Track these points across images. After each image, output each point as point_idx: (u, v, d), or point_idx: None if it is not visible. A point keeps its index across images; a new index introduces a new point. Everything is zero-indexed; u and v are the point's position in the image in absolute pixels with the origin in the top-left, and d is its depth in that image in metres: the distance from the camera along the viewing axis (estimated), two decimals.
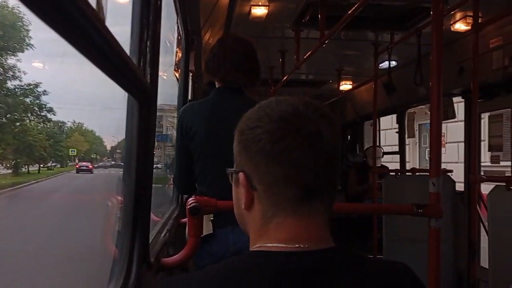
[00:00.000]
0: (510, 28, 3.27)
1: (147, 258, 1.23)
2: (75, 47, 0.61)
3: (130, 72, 0.93)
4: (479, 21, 3.11)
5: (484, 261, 3.24)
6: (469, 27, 3.39)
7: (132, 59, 1.10)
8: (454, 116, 4.35)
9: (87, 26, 0.60)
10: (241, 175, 0.83)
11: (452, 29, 3.58)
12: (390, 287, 0.79)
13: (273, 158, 0.78)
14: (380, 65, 4.50)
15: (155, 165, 1.68)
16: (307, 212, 0.80)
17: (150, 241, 1.52)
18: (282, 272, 0.76)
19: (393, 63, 4.48)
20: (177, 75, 2.85)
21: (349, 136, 7.42)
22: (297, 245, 0.78)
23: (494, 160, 3.73)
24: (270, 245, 0.80)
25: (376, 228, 4.31)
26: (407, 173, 4.83)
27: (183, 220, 2.12)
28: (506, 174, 4.36)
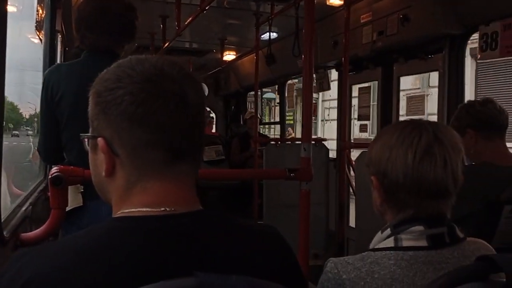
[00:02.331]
0: (379, 4, 3.51)
1: None
2: None
3: None
4: None
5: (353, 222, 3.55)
6: (342, 2, 3.57)
7: None
8: (329, 88, 4.60)
9: None
10: (100, 140, 0.78)
11: (327, 3, 3.74)
12: (257, 249, 0.80)
13: (137, 121, 0.74)
14: (262, 36, 4.57)
15: None
16: (173, 175, 0.78)
17: (6, 215, 1.39)
18: (147, 236, 0.72)
19: (274, 34, 4.58)
20: (41, 36, 2.59)
21: (233, 107, 7.51)
22: (163, 209, 0.76)
23: (362, 129, 4.06)
24: (134, 209, 0.76)
25: (257, 195, 4.46)
26: (287, 142, 5.04)
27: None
28: None
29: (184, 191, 0.79)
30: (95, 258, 0.69)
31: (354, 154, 3.65)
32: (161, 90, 0.75)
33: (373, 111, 4.10)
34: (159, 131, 0.75)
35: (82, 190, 1.84)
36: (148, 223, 0.74)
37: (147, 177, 0.77)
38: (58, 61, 2.88)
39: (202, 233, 0.76)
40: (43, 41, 2.55)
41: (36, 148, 2.02)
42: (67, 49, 3.20)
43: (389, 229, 1.03)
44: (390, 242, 1.01)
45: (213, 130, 7.03)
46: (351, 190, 3.73)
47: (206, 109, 0.86)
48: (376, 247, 1.03)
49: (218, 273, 0.66)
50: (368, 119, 4.12)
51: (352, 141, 4.06)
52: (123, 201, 0.78)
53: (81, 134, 0.84)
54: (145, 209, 0.76)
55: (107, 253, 0.70)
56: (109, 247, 0.71)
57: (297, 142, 4.82)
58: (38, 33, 2.65)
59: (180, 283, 0.64)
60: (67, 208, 1.52)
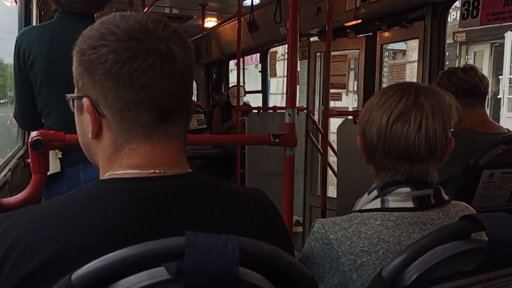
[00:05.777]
0: None
1: None
2: None
3: None
4: None
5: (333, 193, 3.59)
6: None
7: None
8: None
9: None
10: (85, 100, 0.75)
11: None
12: (246, 210, 0.80)
13: (122, 81, 0.71)
14: (244, 2, 4.48)
15: None
16: (162, 136, 0.76)
17: None
18: (136, 197, 0.71)
19: (257, 0, 4.49)
20: None
21: (214, 75, 7.42)
22: (152, 171, 0.74)
23: (336, 97, 4.10)
24: (122, 172, 0.75)
25: (239, 163, 4.47)
26: (269, 110, 5.02)
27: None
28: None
29: (173, 153, 0.77)
30: (82, 219, 0.68)
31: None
32: (146, 48, 0.72)
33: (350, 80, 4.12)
34: (146, 91, 0.72)
35: (61, 156, 1.81)
36: (137, 184, 0.73)
37: (135, 138, 0.75)
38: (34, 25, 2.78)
39: (192, 194, 0.75)
40: (17, 4, 2.43)
41: (12, 114, 1.96)
42: (42, 12, 3.09)
43: (376, 190, 1.04)
44: (376, 203, 1.02)
45: (194, 99, 6.97)
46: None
47: (195, 68, 0.83)
48: (363, 208, 1.04)
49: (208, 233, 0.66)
50: (344, 88, 4.13)
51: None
52: (111, 163, 0.77)
53: (66, 95, 0.82)
54: (133, 171, 0.74)
55: (95, 213, 0.69)
56: (97, 208, 0.70)
57: (279, 111, 4.81)
58: None
59: (170, 242, 0.64)
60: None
